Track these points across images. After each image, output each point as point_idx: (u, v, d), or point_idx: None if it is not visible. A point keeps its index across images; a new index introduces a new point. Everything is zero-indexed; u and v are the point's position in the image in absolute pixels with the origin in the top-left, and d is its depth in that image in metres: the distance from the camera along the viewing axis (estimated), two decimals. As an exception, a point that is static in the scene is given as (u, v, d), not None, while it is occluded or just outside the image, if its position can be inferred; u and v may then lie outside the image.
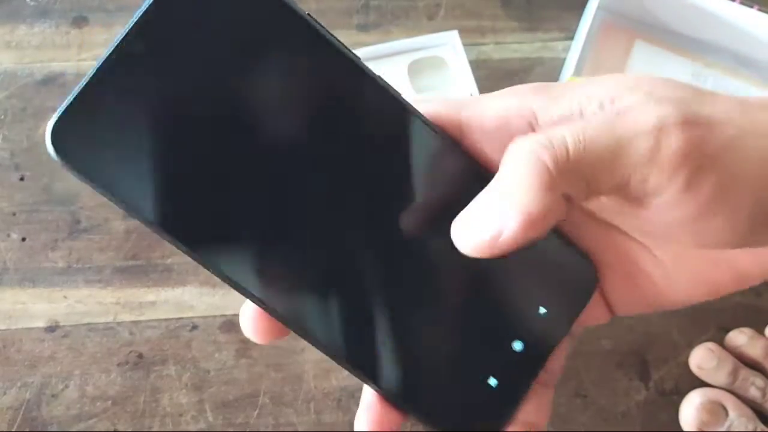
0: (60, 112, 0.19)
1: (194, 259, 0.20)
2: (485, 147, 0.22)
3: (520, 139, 0.19)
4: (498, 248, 0.18)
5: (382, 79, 0.21)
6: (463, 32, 0.53)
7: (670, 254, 0.22)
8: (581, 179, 0.18)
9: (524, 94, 0.21)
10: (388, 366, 0.21)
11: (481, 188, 0.20)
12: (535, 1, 0.58)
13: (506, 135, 0.21)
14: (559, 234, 0.23)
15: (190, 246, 0.20)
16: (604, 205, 0.22)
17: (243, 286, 0.20)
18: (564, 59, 0.55)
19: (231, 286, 0.20)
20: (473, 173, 0.22)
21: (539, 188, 0.18)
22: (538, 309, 0.22)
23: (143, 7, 0.19)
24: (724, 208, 0.19)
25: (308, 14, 0.21)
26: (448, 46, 0.53)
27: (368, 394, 0.22)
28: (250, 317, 0.21)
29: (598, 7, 0.52)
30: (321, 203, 0.21)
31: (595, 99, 0.20)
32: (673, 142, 0.18)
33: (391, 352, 0.21)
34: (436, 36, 0.52)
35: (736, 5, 0.50)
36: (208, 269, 0.20)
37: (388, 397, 0.21)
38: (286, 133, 0.21)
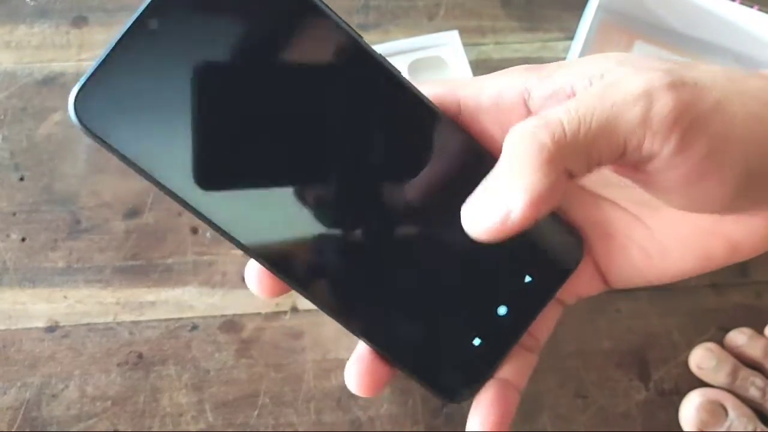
0: (82, 82, 0.20)
1: (199, 217, 0.22)
2: (482, 123, 0.23)
3: (517, 124, 0.19)
4: (507, 229, 0.19)
5: (384, 58, 0.23)
6: (463, 32, 0.53)
7: (663, 225, 0.23)
8: (580, 153, 0.19)
9: (518, 72, 0.22)
10: (379, 322, 0.23)
11: (477, 161, 0.22)
12: (535, 1, 0.58)
13: (501, 111, 0.22)
14: None
15: (201, 207, 0.22)
16: (596, 178, 0.23)
17: (245, 244, 0.22)
18: (564, 59, 0.55)
19: (234, 243, 0.22)
20: (469, 147, 0.23)
21: (541, 166, 0.18)
22: (523, 277, 0.24)
23: None
24: (715, 169, 0.19)
25: None
26: (448, 46, 0.53)
27: (360, 348, 0.23)
28: (255, 274, 0.23)
29: (598, 7, 0.52)
30: (322, 172, 0.22)
31: (585, 75, 0.20)
32: (663, 104, 0.18)
33: (382, 309, 0.23)
34: (436, 36, 0.52)
35: (736, 5, 0.50)
36: (212, 227, 0.22)
37: (379, 351, 0.23)
38: (294, 102, 0.22)
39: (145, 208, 0.51)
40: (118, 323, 0.48)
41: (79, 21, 0.56)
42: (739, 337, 0.49)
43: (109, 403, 0.47)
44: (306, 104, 0.22)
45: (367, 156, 0.23)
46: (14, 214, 0.51)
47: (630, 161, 0.20)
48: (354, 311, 0.23)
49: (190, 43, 0.21)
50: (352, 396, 0.47)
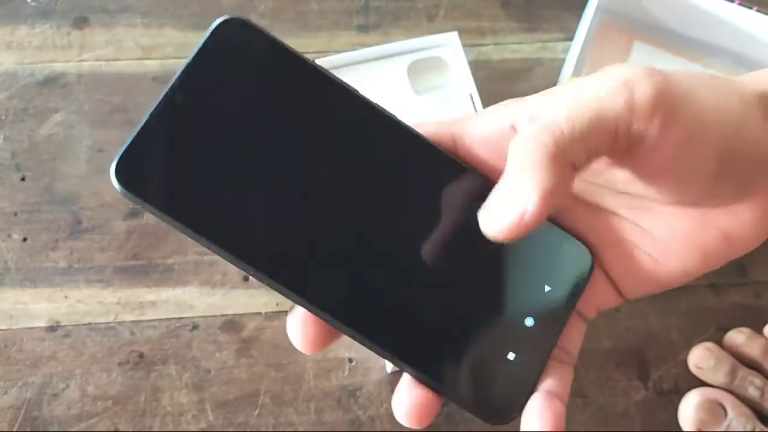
0: (122, 151, 0.22)
1: (248, 271, 0.23)
2: (477, 151, 0.25)
3: (518, 135, 0.22)
4: (524, 226, 0.21)
5: (382, 108, 0.25)
6: (462, 33, 0.53)
7: (658, 225, 0.25)
8: (579, 146, 0.21)
9: (505, 106, 0.24)
10: (421, 353, 0.24)
11: (477, 186, 0.25)
12: (534, 1, 0.58)
13: (493, 141, 0.24)
14: (554, 223, 0.26)
15: (251, 262, 0.23)
16: (595, 187, 0.25)
17: (294, 292, 0.24)
18: (563, 60, 0.55)
19: (283, 293, 0.24)
20: (471, 177, 0.25)
21: (547, 164, 0.20)
22: (543, 289, 0.25)
23: (190, 59, 0.23)
24: (694, 150, 0.22)
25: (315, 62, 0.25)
26: (448, 47, 0.53)
27: (405, 378, 0.24)
28: (298, 328, 0.24)
29: (597, 8, 0.52)
30: (339, 215, 0.24)
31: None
32: (644, 90, 0.21)
33: (421, 340, 0.25)
34: (436, 37, 0.52)
35: (735, 6, 0.50)
36: (263, 280, 0.23)
37: (423, 380, 0.24)
38: (310, 156, 0.24)
39: (145, 208, 0.51)
40: (119, 323, 0.49)
41: (81, 22, 0.56)
42: (737, 336, 0.49)
43: (110, 402, 0.47)
44: (328, 159, 0.24)
45: (386, 196, 0.25)
46: (15, 214, 0.51)
47: (622, 147, 0.22)
48: (397, 347, 0.24)
49: (216, 110, 0.23)
50: (352, 395, 0.48)
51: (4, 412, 0.46)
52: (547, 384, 0.24)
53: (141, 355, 0.48)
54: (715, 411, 0.46)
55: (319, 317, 0.24)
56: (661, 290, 0.25)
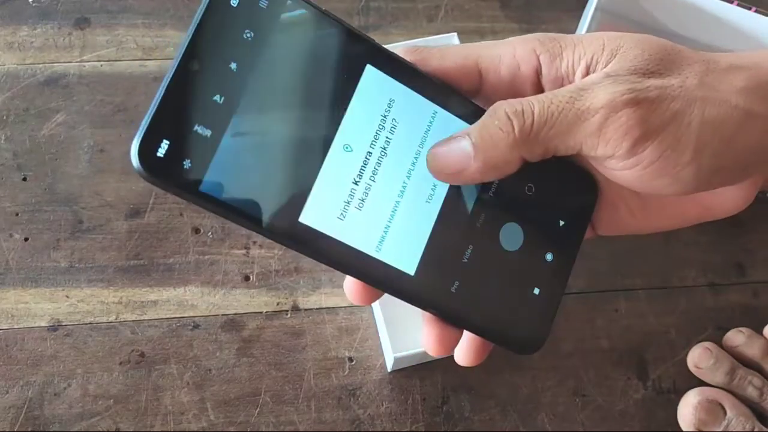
0: (141, 133, 0.21)
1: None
2: (499, 93, 0.26)
3: (501, 102, 0.23)
4: (455, 180, 0.24)
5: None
6: (462, 34, 0.53)
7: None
8: (539, 145, 0.23)
9: (531, 45, 0.25)
10: (446, 293, 0.25)
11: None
12: (534, 2, 0.58)
13: (518, 83, 0.26)
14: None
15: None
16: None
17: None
18: (563, 60, 0.56)
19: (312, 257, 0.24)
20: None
21: (503, 147, 0.23)
22: (558, 224, 0.27)
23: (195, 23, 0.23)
24: (667, 170, 0.23)
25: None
26: (447, 48, 0.53)
27: (427, 317, 0.25)
28: (350, 285, 0.25)
29: (597, 9, 0.52)
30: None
31: (583, 61, 0.24)
32: (618, 117, 0.22)
33: (446, 281, 0.25)
34: (435, 38, 0.52)
35: (734, 7, 0.50)
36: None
37: (447, 318, 0.25)
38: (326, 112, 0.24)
39: (146, 208, 0.51)
40: (120, 322, 0.49)
41: (82, 22, 0.56)
42: (737, 336, 0.49)
43: (111, 401, 0.47)
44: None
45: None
46: (17, 214, 0.51)
47: (586, 158, 0.23)
48: (424, 287, 0.25)
49: (239, 76, 0.23)
50: (352, 394, 0.48)
51: (6, 412, 0.47)
52: None
53: (142, 355, 0.48)
54: (714, 411, 0.46)
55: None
56: (632, 234, 0.28)
